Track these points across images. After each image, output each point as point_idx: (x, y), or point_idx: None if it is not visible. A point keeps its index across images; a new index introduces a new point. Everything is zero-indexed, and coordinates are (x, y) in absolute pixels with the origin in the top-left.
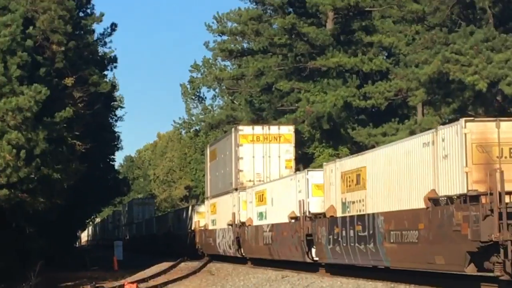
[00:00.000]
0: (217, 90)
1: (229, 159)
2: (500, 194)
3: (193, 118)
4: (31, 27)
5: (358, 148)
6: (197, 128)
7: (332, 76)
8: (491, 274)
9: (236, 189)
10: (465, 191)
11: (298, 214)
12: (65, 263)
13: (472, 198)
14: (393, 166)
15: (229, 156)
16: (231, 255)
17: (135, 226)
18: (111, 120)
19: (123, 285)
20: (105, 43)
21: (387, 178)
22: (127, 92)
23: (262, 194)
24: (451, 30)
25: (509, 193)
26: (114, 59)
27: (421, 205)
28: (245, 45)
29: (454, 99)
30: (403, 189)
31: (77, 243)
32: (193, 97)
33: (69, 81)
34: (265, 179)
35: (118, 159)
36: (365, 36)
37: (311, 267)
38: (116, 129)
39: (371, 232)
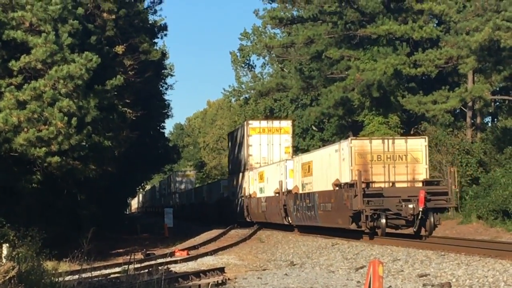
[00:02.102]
0: (266, 58)
1: (242, 145)
2: (361, 183)
3: (243, 86)
4: None
5: (408, 115)
6: (246, 96)
7: (382, 43)
8: (362, 229)
9: (247, 169)
10: (349, 181)
11: (279, 190)
12: (116, 230)
13: (351, 185)
14: (324, 162)
15: (242, 143)
16: (243, 220)
17: (178, 196)
18: (161, 88)
19: (174, 252)
20: (155, 11)
21: (321, 169)
22: (177, 60)
23: (262, 174)
24: None
25: (372, 182)
26: (164, 27)
27: (332, 188)
28: (295, 13)
29: (505, 67)
30: (327, 177)
31: (127, 210)
32: (243, 65)
33: (119, 49)
34: (269, 162)
35: (168, 127)
36: (416, 3)
37: (289, 228)
38: (166, 97)
39: (312, 204)
